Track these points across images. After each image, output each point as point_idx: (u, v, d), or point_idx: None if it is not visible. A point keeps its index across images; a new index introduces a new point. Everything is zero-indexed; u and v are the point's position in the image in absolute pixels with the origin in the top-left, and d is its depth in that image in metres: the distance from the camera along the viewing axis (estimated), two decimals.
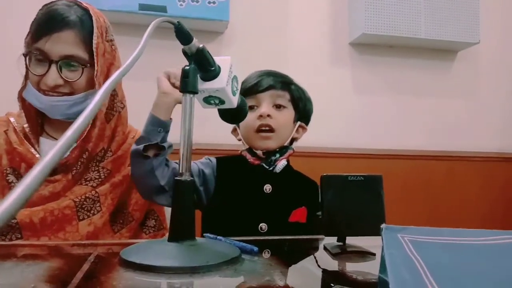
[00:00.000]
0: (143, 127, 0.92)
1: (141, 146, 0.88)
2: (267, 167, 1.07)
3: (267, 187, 1.05)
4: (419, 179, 2.17)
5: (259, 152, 1.07)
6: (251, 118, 1.05)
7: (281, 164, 1.07)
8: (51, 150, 0.27)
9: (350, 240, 0.75)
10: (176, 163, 0.99)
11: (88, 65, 0.91)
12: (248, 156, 1.08)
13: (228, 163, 1.10)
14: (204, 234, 0.76)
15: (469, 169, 2.24)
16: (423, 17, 2.06)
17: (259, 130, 1.05)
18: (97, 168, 0.96)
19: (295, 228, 1.03)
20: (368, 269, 0.64)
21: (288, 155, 1.10)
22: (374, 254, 0.71)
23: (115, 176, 0.97)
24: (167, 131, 0.91)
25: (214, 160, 1.09)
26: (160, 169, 0.91)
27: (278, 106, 1.08)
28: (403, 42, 2.15)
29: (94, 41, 0.90)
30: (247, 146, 1.10)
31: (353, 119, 2.17)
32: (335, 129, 2.08)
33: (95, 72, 0.90)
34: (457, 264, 0.37)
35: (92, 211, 0.91)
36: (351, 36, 2.16)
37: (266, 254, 0.68)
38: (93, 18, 0.91)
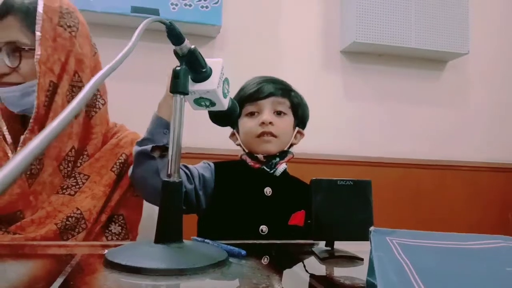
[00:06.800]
0: (148, 128, 0.91)
1: (149, 147, 0.88)
2: (268, 170, 1.08)
3: (268, 190, 1.06)
4: (408, 187, 2.18)
5: (260, 156, 1.08)
6: (252, 125, 1.08)
7: (281, 167, 1.08)
8: (26, 147, 0.26)
9: (338, 245, 0.74)
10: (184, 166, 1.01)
11: (31, 50, 0.85)
12: (248, 160, 1.09)
13: (227, 167, 1.11)
14: (192, 237, 0.76)
15: (457, 178, 2.25)
16: (414, 26, 2.09)
17: (260, 136, 1.06)
18: (73, 174, 0.91)
19: (294, 231, 1.03)
20: (355, 273, 0.64)
21: (288, 159, 1.11)
22: (362, 259, 0.70)
23: (96, 183, 0.92)
24: None
25: (212, 164, 1.10)
26: (164, 171, 0.90)
27: (278, 113, 1.09)
28: (393, 51, 2.17)
29: (38, 24, 0.84)
30: (246, 151, 1.11)
31: (343, 126, 2.18)
32: (325, 136, 2.09)
33: (37, 57, 0.84)
34: (445, 268, 0.37)
35: (77, 229, 0.87)
36: (342, 44, 2.18)
37: (254, 258, 0.68)
38: (40, 1, 0.85)
